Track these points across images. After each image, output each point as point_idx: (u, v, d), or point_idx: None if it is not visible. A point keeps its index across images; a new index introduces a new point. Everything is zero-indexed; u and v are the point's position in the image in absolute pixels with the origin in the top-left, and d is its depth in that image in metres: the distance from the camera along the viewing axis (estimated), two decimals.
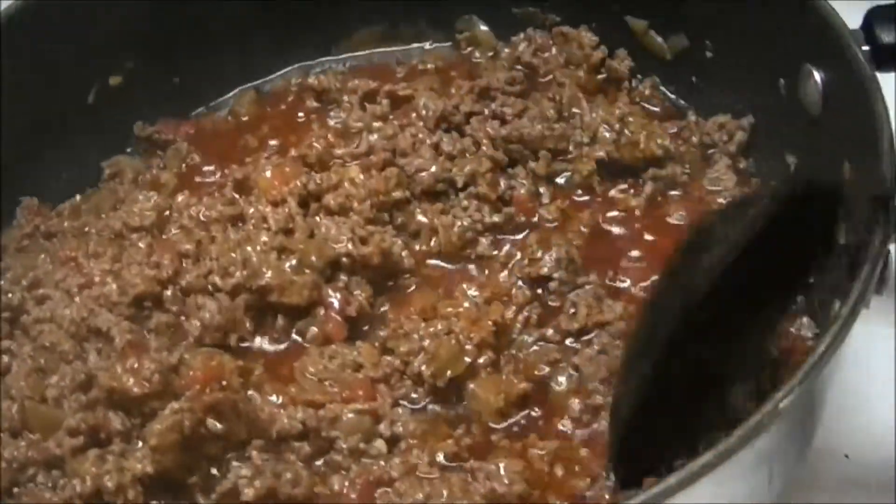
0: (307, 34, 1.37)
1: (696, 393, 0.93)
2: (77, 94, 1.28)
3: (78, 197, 1.26)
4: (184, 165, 1.28)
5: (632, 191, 1.18)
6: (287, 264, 1.10)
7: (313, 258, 1.10)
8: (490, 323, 1.05)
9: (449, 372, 1.02)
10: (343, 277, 1.11)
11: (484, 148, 1.18)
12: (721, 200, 1.15)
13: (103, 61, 1.28)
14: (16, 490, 0.99)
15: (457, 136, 1.20)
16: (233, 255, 1.10)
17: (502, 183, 1.17)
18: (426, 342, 1.04)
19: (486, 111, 1.22)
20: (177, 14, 1.28)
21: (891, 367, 1.11)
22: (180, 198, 1.20)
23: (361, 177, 1.16)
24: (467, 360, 1.03)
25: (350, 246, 1.10)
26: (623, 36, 1.28)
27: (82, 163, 1.29)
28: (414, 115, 1.23)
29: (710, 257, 0.91)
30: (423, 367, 1.02)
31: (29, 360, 1.06)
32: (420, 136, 1.21)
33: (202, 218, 1.17)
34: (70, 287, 1.12)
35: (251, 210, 1.16)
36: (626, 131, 1.19)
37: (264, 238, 1.11)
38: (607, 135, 1.19)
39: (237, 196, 1.19)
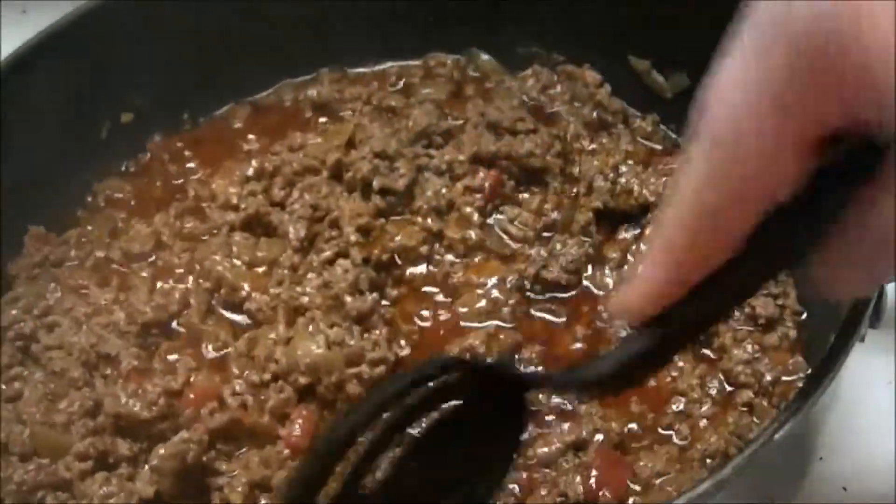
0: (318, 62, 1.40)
1: None
2: (91, 130, 1.31)
3: (79, 226, 1.28)
4: (173, 182, 1.31)
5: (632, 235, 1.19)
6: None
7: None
8: None
9: None
10: None
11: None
12: None
13: (116, 99, 1.31)
14: None
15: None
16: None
17: None
18: None
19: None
20: (184, 48, 1.31)
21: (890, 400, 1.12)
22: (157, 218, 1.24)
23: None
24: None
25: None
26: (625, 75, 1.30)
27: (86, 189, 1.31)
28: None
29: None
30: None
31: (40, 386, 1.08)
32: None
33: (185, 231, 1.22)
34: (79, 315, 1.14)
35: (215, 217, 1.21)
36: (621, 180, 1.20)
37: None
38: (602, 184, 1.20)
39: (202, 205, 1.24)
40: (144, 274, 1.18)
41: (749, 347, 1.06)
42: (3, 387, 1.10)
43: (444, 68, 1.36)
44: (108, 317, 1.13)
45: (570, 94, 1.31)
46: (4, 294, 1.19)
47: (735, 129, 0.56)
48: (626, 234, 1.19)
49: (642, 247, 1.16)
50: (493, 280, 1.14)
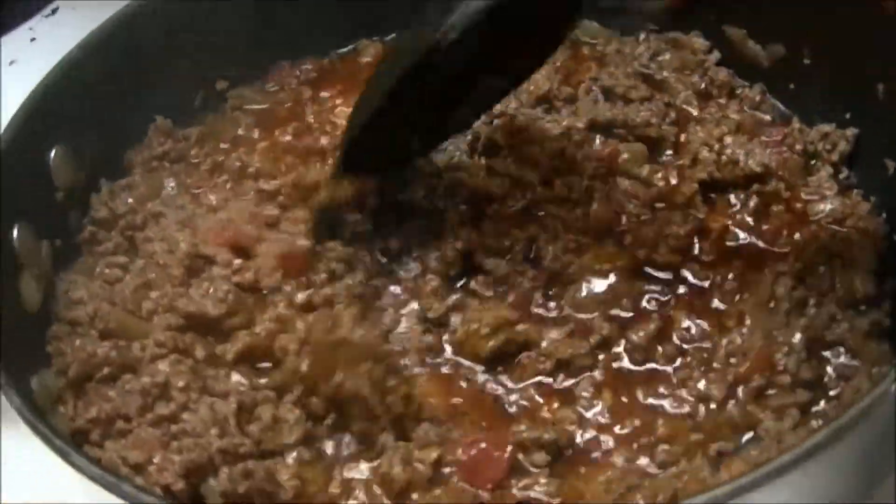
0: None
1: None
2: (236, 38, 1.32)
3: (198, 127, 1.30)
4: (300, 104, 1.33)
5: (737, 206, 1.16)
6: None
7: None
8: None
9: None
10: None
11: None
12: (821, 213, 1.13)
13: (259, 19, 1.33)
14: (87, 385, 1.03)
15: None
16: None
17: None
18: None
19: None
20: None
21: None
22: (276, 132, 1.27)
23: None
24: None
25: None
26: (721, 45, 1.29)
27: (215, 93, 1.34)
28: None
29: None
30: None
31: (138, 275, 1.11)
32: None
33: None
34: (188, 214, 1.16)
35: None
36: (727, 151, 1.18)
37: None
38: (707, 155, 1.19)
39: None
40: (266, 186, 1.19)
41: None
42: (106, 270, 1.13)
43: None
44: (214, 218, 1.14)
45: (679, 61, 1.29)
46: (119, 179, 1.22)
47: None
48: (731, 205, 1.16)
49: (747, 218, 1.14)
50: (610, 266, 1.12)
